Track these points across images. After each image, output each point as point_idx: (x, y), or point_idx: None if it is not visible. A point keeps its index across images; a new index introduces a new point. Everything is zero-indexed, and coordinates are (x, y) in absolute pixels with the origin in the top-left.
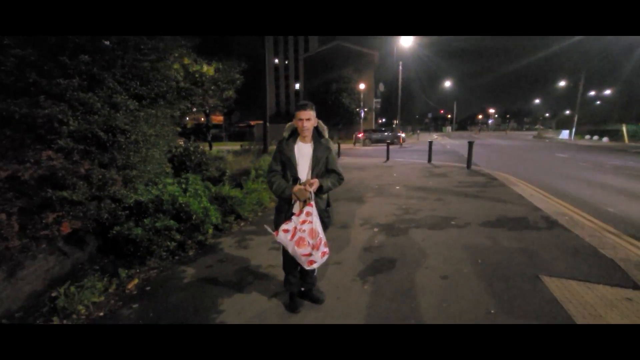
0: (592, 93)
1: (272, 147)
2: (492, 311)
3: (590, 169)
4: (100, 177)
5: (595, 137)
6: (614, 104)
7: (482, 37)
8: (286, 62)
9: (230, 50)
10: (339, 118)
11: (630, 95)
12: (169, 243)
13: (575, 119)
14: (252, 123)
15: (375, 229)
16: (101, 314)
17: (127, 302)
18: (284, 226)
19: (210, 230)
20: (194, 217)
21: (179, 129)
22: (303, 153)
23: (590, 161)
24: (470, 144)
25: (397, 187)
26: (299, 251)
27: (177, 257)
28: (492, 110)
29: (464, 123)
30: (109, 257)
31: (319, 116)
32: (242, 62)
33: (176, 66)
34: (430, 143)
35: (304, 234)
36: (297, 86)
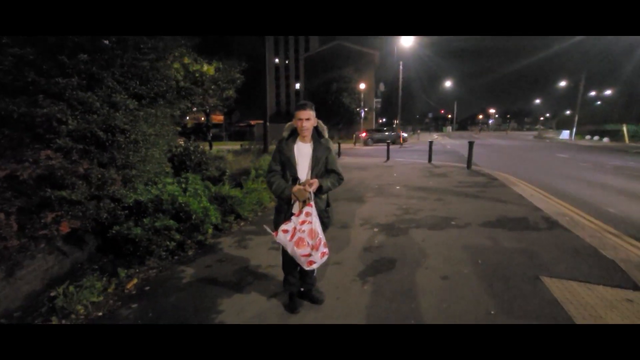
0: (593, 93)
1: (272, 147)
2: (492, 312)
3: (591, 169)
4: (99, 176)
5: (596, 138)
6: (615, 104)
7: (482, 37)
8: (286, 62)
9: (230, 50)
10: (339, 118)
11: (630, 95)
12: (168, 243)
13: (576, 119)
14: (253, 122)
15: (375, 229)
16: (100, 313)
17: (126, 302)
18: (283, 226)
19: (210, 230)
20: (193, 216)
21: (179, 129)
22: (303, 153)
23: (590, 161)
24: (471, 144)
25: (398, 187)
26: (299, 251)
27: (176, 257)
28: (492, 110)
29: (465, 123)
30: (108, 257)
31: (319, 116)
32: (242, 62)
33: (176, 65)
34: (431, 143)
35: (304, 235)
36: (298, 86)
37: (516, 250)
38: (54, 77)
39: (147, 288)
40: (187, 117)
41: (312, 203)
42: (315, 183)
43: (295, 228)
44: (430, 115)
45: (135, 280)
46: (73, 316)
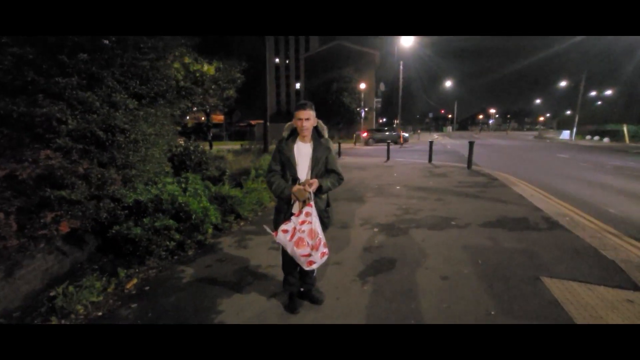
0: (593, 93)
1: (273, 147)
2: (492, 312)
3: (591, 170)
4: (99, 176)
5: (596, 138)
6: (615, 104)
7: (482, 37)
8: (287, 62)
9: (230, 50)
10: (339, 118)
11: (630, 95)
12: (168, 243)
13: (576, 119)
14: (253, 122)
15: (375, 229)
16: (100, 313)
17: (125, 301)
18: (283, 226)
19: (210, 230)
20: (193, 216)
21: (179, 128)
22: (302, 153)
23: (591, 161)
24: (471, 144)
25: (398, 187)
26: (298, 252)
27: (176, 257)
28: (493, 110)
29: (465, 123)
30: (108, 257)
31: (319, 116)
32: (242, 62)
33: (176, 65)
34: (431, 143)
35: (303, 235)
36: (298, 85)
37: (516, 251)
38: (54, 76)
39: (147, 288)
40: (188, 117)
41: (312, 203)
42: (315, 183)
43: (295, 228)
44: (430, 115)
45: (135, 280)
46: (72, 316)
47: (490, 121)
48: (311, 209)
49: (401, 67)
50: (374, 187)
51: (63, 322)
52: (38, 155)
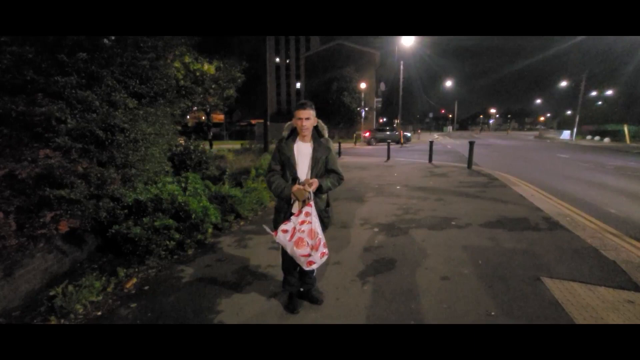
0: (594, 93)
1: (273, 146)
2: (493, 313)
3: (592, 170)
4: (98, 175)
5: (597, 138)
6: (615, 104)
7: (483, 37)
8: (287, 61)
9: (231, 49)
10: (340, 117)
11: (631, 95)
12: (168, 242)
13: (577, 119)
14: (253, 122)
15: (376, 229)
16: (99, 313)
17: (125, 301)
18: (282, 226)
19: (210, 230)
20: (193, 216)
21: (180, 128)
22: (302, 153)
23: (591, 162)
24: (471, 144)
25: (398, 187)
26: (298, 252)
27: (176, 257)
28: (493, 110)
29: (465, 123)
30: (107, 256)
31: (319, 115)
32: (243, 61)
33: (177, 64)
34: (431, 143)
35: (303, 235)
36: (298, 85)
37: (517, 251)
38: (53, 75)
39: (147, 287)
40: (188, 116)
41: (312, 203)
42: (315, 183)
43: (294, 228)
44: (430, 115)
45: (134, 280)
46: (72, 316)
47: (491, 121)
48: (311, 209)
49: (401, 66)
50: (374, 187)
51: (62, 321)
52: (37, 154)
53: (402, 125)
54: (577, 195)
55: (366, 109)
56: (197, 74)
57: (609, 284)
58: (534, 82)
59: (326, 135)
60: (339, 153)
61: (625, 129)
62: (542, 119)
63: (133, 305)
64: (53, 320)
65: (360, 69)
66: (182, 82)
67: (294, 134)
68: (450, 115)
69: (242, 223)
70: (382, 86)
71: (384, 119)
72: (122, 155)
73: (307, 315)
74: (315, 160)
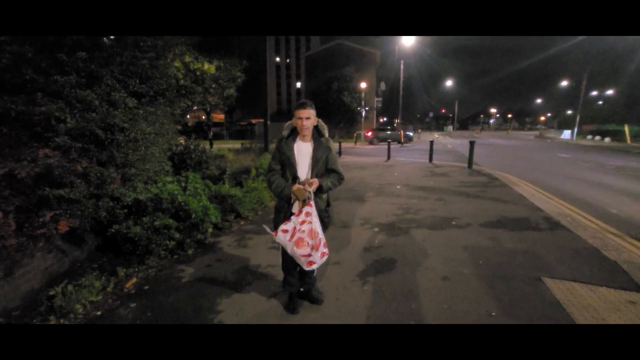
0: (595, 93)
1: (273, 146)
2: (493, 313)
3: (592, 170)
4: (98, 175)
5: (597, 138)
6: (616, 104)
7: (483, 37)
8: (287, 61)
9: (231, 48)
10: (340, 117)
11: (632, 95)
12: (168, 242)
13: (578, 119)
14: (254, 121)
15: (376, 229)
16: (99, 313)
17: (125, 301)
18: (283, 226)
19: (210, 229)
20: (193, 215)
21: (180, 127)
22: (303, 152)
23: (592, 161)
24: (472, 144)
25: (398, 187)
26: (298, 252)
27: (176, 256)
28: (493, 110)
29: (466, 122)
30: (107, 256)
31: (320, 115)
32: (243, 60)
33: (177, 64)
34: (432, 142)
35: (303, 235)
36: (299, 85)
37: (517, 251)
38: (53, 74)
39: (146, 287)
40: (188, 116)
41: (312, 203)
42: (315, 182)
43: (295, 228)
44: (431, 114)
45: (134, 280)
46: (71, 315)
47: (491, 120)
48: (311, 208)
49: (402, 66)
50: (375, 187)
51: (62, 321)
52: (37, 154)
53: (403, 124)
54: (578, 195)
55: (366, 108)
56: (197, 73)
57: (610, 284)
58: (535, 82)
59: (326, 134)
60: (339, 152)
61: (626, 129)
62: (542, 118)
63: (133, 305)
64: (52, 320)
65: (361, 68)
66: (182, 82)
67: (294, 133)
68: (451, 115)
69: (242, 223)
70: (383, 86)
71: (384, 119)
72: (122, 155)
73: (307, 316)
74: (315, 160)
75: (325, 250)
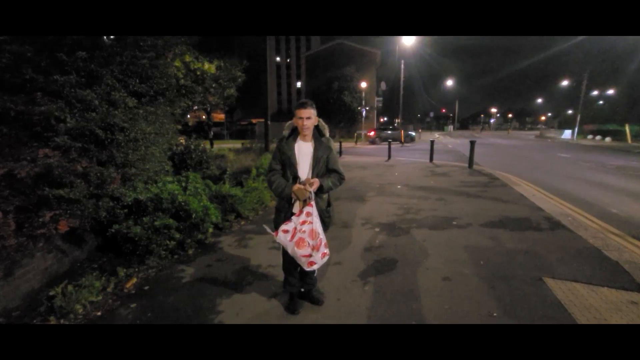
0: (595, 93)
1: (273, 146)
2: (494, 314)
3: (593, 169)
4: (98, 175)
5: (598, 137)
6: (617, 104)
7: (483, 37)
8: (288, 60)
9: (231, 48)
10: (340, 116)
11: (633, 95)
12: (168, 242)
13: (578, 118)
14: (254, 121)
15: (377, 229)
16: (99, 313)
17: (125, 301)
18: (283, 226)
19: (210, 229)
20: (193, 215)
21: (180, 127)
22: (303, 152)
23: (593, 161)
24: (472, 144)
25: (399, 187)
26: (299, 252)
27: (176, 256)
28: (494, 110)
29: (466, 122)
30: (107, 256)
31: (320, 115)
32: (243, 60)
33: (177, 63)
34: (432, 142)
35: (304, 235)
36: (299, 84)
37: (518, 251)
38: (53, 74)
39: (147, 287)
40: (188, 115)
41: (313, 203)
42: (316, 182)
43: (295, 228)
44: (431, 114)
45: (134, 280)
46: (71, 316)
47: (492, 120)
48: (312, 208)
49: (402, 66)
50: (375, 186)
51: (62, 321)
52: (36, 153)
53: (403, 124)
54: (579, 195)
55: (367, 108)
56: (198, 73)
57: (611, 284)
58: (535, 82)
59: (327, 134)
60: (340, 152)
61: (627, 128)
62: (543, 118)
63: (133, 305)
64: (52, 320)
65: (361, 68)
66: (182, 81)
67: (295, 133)
68: (451, 115)
69: (242, 223)
70: (383, 85)
71: (385, 119)
72: (122, 155)
73: (308, 316)
74: (316, 160)
75: (326, 250)
